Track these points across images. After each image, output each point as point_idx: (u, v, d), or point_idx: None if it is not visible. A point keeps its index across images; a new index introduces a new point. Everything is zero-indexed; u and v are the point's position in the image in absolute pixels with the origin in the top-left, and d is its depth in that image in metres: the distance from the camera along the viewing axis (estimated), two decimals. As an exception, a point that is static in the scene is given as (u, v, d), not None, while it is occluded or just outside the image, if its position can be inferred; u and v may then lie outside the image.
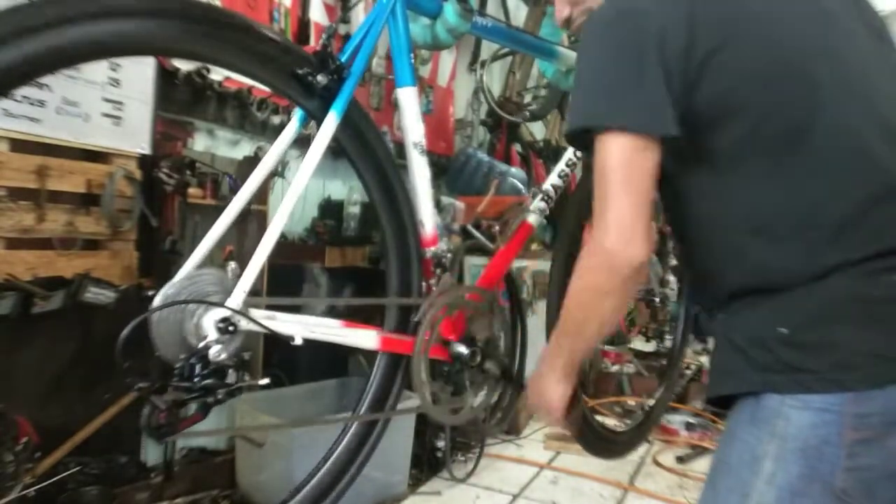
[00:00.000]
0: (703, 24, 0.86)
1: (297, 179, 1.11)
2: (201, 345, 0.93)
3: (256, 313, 1.00)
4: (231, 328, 0.94)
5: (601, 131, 0.88)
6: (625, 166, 0.87)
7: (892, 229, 0.84)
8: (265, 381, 1.00)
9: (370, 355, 1.28)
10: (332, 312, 1.14)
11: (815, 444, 0.82)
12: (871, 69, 0.92)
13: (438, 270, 1.30)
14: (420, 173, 1.30)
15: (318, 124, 1.14)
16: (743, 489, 0.86)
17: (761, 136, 0.87)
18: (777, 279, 0.87)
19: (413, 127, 1.29)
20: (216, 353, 0.93)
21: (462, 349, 1.30)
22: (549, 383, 1.08)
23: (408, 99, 1.30)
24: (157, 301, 0.93)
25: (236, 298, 0.97)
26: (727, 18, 0.88)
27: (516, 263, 2.47)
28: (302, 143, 1.11)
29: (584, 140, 0.92)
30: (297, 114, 1.18)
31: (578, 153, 1.67)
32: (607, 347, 3.63)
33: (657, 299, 2.05)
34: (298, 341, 1.03)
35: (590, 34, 0.95)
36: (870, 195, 0.85)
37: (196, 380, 0.90)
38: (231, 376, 0.94)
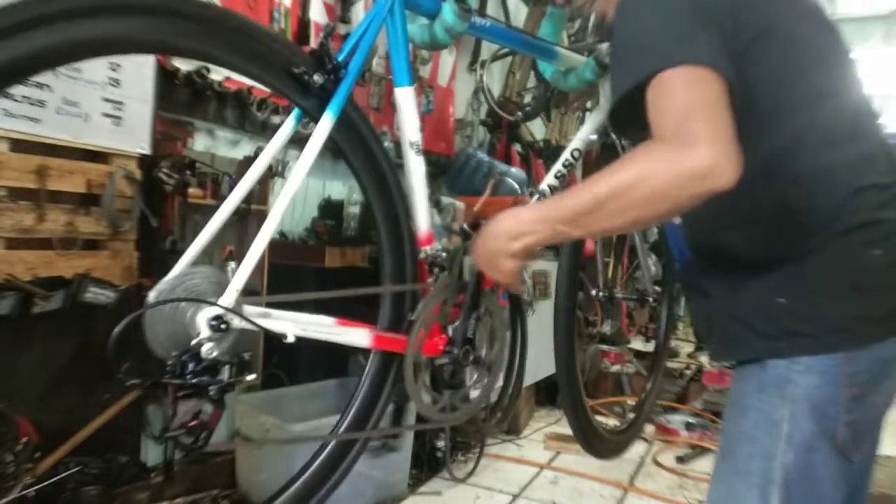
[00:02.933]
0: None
1: (293, 179, 1.11)
2: (193, 342, 0.93)
3: (249, 311, 1.00)
4: (223, 326, 0.95)
5: (667, 68, 0.83)
6: (707, 91, 0.82)
7: (870, 206, 0.91)
8: (253, 376, 1.00)
9: (367, 354, 1.28)
10: (328, 312, 1.13)
11: (820, 402, 0.91)
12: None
13: (435, 270, 1.31)
14: (416, 173, 1.30)
15: (315, 124, 1.14)
16: (765, 452, 0.93)
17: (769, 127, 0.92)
18: (777, 253, 0.94)
19: (410, 126, 1.29)
20: (208, 350, 0.94)
21: (455, 348, 1.30)
22: (507, 256, 1.02)
23: (405, 99, 1.30)
24: (150, 298, 0.94)
25: (229, 296, 0.98)
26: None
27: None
28: (303, 143, 1.12)
29: (630, 112, 0.88)
30: (293, 113, 1.19)
31: (576, 154, 1.67)
32: (607, 347, 3.63)
33: (651, 299, 2.05)
34: (291, 339, 1.03)
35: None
36: (860, 184, 0.92)
37: (188, 377, 0.90)
38: (224, 373, 0.94)
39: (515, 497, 2.43)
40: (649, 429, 3.21)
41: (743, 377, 0.99)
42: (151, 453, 2.02)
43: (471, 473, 2.55)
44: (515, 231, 1.01)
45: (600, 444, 1.93)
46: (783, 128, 0.93)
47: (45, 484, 1.62)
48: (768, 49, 0.92)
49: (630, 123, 0.91)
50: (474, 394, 1.38)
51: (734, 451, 0.98)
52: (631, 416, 2.20)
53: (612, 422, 3.16)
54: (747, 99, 0.87)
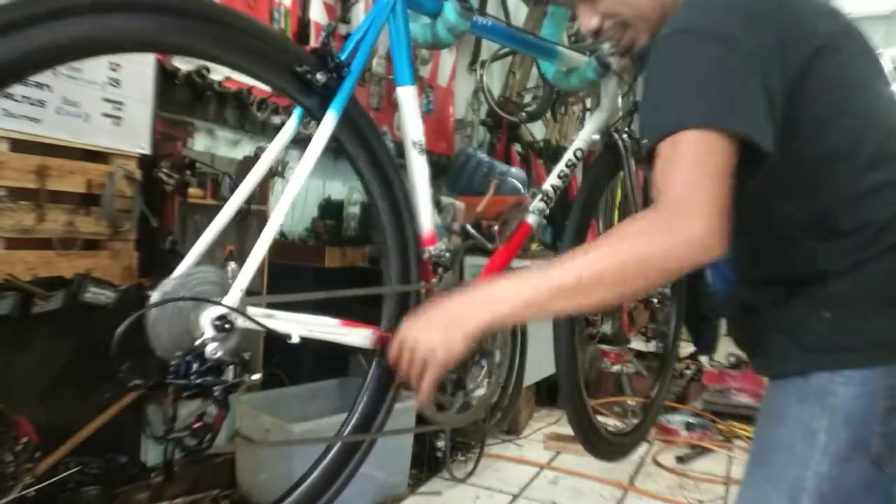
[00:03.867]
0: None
1: (295, 178, 1.10)
2: (197, 342, 0.93)
3: (253, 311, 1.00)
4: (227, 326, 0.94)
5: (690, 129, 0.86)
6: (709, 160, 0.85)
7: None
8: (257, 376, 1.00)
9: (369, 355, 1.27)
10: (326, 312, 1.13)
11: (857, 414, 0.92)
12: None
13: (439, 270, 1.30)
14: (419, 173, 1.30)
15: (317, 123, 1.14)
16: (800, 462, 0.94)
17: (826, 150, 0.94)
18: (823, 270, 0.96)
19: (412, 126, 1.29)
20: (212, 350, 0.93)
21: None
22: (461, 330, 0.91)
23: (407, 98, 1.30)
24: (153, 298, 0.93)
25: (233, 296, 0.97)
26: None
27: (516, 263, 2.47)
28: (304, 142, 1.11)
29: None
30: (295, 112, 1.18)
31: (579, 154, 1.67)
32: (607, 348, 3.63)
33: (656, 300, 2.05)
34: (295, 339, 1.02)
35: (675, 45, 0.93)
36: None
37: (192, 377, 0.90)
38: (228, 373, 0.94)
39: (515, 497, 2.42)
40: (646, 435, 3.21)
41: (783, 387, 1.01)
42: (151, 453, 2.02)
43: (471, 473, 2.55)
44: (487, 297, 0.92)
45: (603, 446, 1.92)
46: (835, 143, 0.95)
47: (45, 484, 1.62)
48: (824, 65, 0.93)
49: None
50: (477, 395, 1.38)
51: (769, 458, 0.99)
52: (634, 418, 2.20)
53: (611, 421, 3.16)
54: (802, 111, 0.90)
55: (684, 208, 0.84)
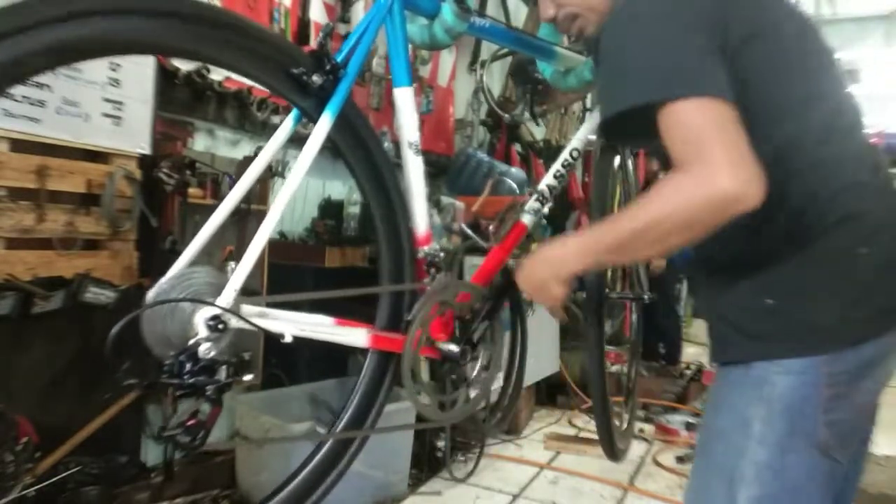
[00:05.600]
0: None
1: (291, 179, 1.11)
2: (191, 342, 0.93)
3: (247, 311, 1.00)
4: (221, 326, 0.95)
5: (673, 100, 0.86)
6: (720, 119, 0.85)
7: (855, 199, 0.93)
8: (250, 376, 1.00)
9: (366, 354, 1.28)
10: (328, 311, 1.13)
11: (796, 403, 0.92)
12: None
13: (433, 270, 1.31)
14: (415, 173, 1.30)
15: (313, 124, 1.14)
16: (737, 451, 0.94)
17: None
18: (766, 250, 0.95)
19: (408, 126, 1.29)
20: (206, 350, 0.94)
21: (452, 347, 1.30)
22: (554, 281, 1.07)
23: (404, 99, 1.30)
24: (148, 298, 0.94)
25: (227, 296, 0.98)
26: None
27: (514, 263, 2.47)
28: (304, 142, 1.12)
29: (623, 126, 0.92)
30: (292, 113, 1.19)
31: (575, 154, 1.67)
32: (608, 347, 3.63)
33: (646, 297, 2.06)
34: (288, 339, 1.03)
35: (626, 17, 0.95)
36: (848, 180, 0.94)
37: (185, 377, 0.90)
38: (222, 373, 0.95)
39: (515, 497, 2.42)
40: (649, 429, 3.21)
41: (724, 376, 1.02)
42: (151, 453, 2.02)
43: (471, 473, 2.55)
44: (564, 259, 1.06)
45: (619, 449, 1.96)
46: (780, 129, 0.94)
47: (45, 484, 1.62)
48: (758, 51, 0.93)
49: (622, 134, 0.95)
50: (473, 393, 1.39)
51: (709, 448, 1.01)
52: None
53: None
54: (742, 101, 0.88)
55: (711, 163, 0.83)
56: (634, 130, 0.93)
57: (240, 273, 1.00)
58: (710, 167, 0.83)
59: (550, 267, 1.08)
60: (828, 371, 0.91)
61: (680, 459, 2.84)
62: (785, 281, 0.94)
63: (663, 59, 0.89)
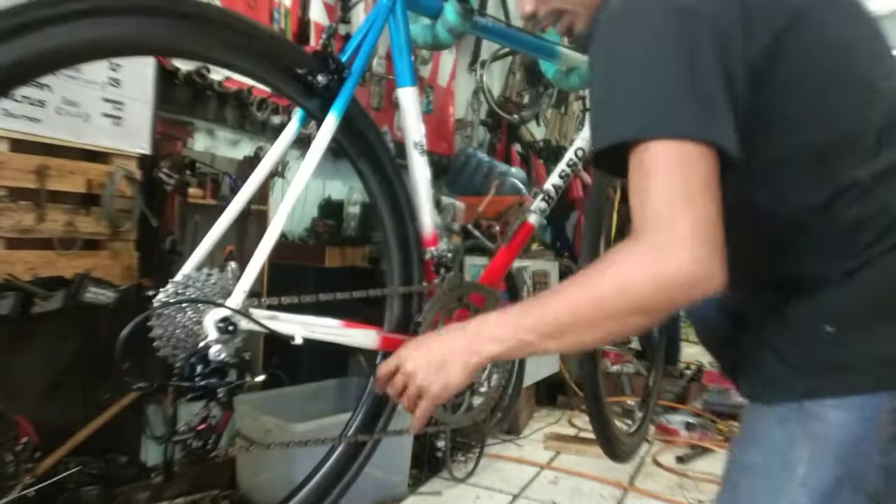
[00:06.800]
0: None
1: (297, 179, 1.11)
2: (201, 344, 0.93)
3: (257, 313, 1.00)
4: (231, 328, 0.94)
5: (645, 140, 0.74)
6: (696, 175, 0.72)
7: None
8: (261, 377, 1.00)
9: (370, 356, 1.28)
10: (325, 312, 1.13)
11: (849, 442, 0.80)
12: None
13: (441, 270, 1.30)
14: (420, 173, 1.30)
15: (318, 124, 1.14)
16: (774, 492, 0.83)
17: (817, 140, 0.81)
18: (822, 274, 0.82)
19: (413, 127, 1.29)
20: (216, 352, 0.93)
21: None
22: (460, 366, 0.88)
23: (408, 99, 1.30)
24: (157, 300, 0.93)
25: (236, 298, 0.97)
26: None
27: (517, 263, 2.47)
28: (303, 143, 1.11)
29: (614, 159, 0.78)
30: (296, 114, 1.18)
31: (580, 153, 1.67)
32: (607, 347, 3.63)
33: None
34: (298, 341, 1.03)
35: (618, 28, 0.80)
36: None
37: (196, 379, 0.90)
38: (231, 375, 0.94)
39: (515, 497, 2.42)
40: (649, 429, 3.21)
41: (763, 408, 0.88)
42: (151, 453, 2.02)
43: (471, 473, 2.55)
44: (479, 338, 0.87)
45: (621, 449, 1.95)
46: (832, 122, 0.81)
47: (45, 484, 1.61)
48: (802, 40, 0.79)
49: (615, 169, 0.80)
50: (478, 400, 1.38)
51: (740, 484, 0.88)
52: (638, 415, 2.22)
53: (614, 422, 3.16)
54: (786, 97, 0.78)
55: (666, 237, 0.71)
56: (625, 165, 0.78)
57: (248, 274, 0.99)
58: (670, 238, 0.71)
59: (462, 344, 0.88)
60: (890, 407, 0.78)
61: (680, 459, 2.84)
62: (844, 307, 0.81)
63: (653, 87, 0.75)
